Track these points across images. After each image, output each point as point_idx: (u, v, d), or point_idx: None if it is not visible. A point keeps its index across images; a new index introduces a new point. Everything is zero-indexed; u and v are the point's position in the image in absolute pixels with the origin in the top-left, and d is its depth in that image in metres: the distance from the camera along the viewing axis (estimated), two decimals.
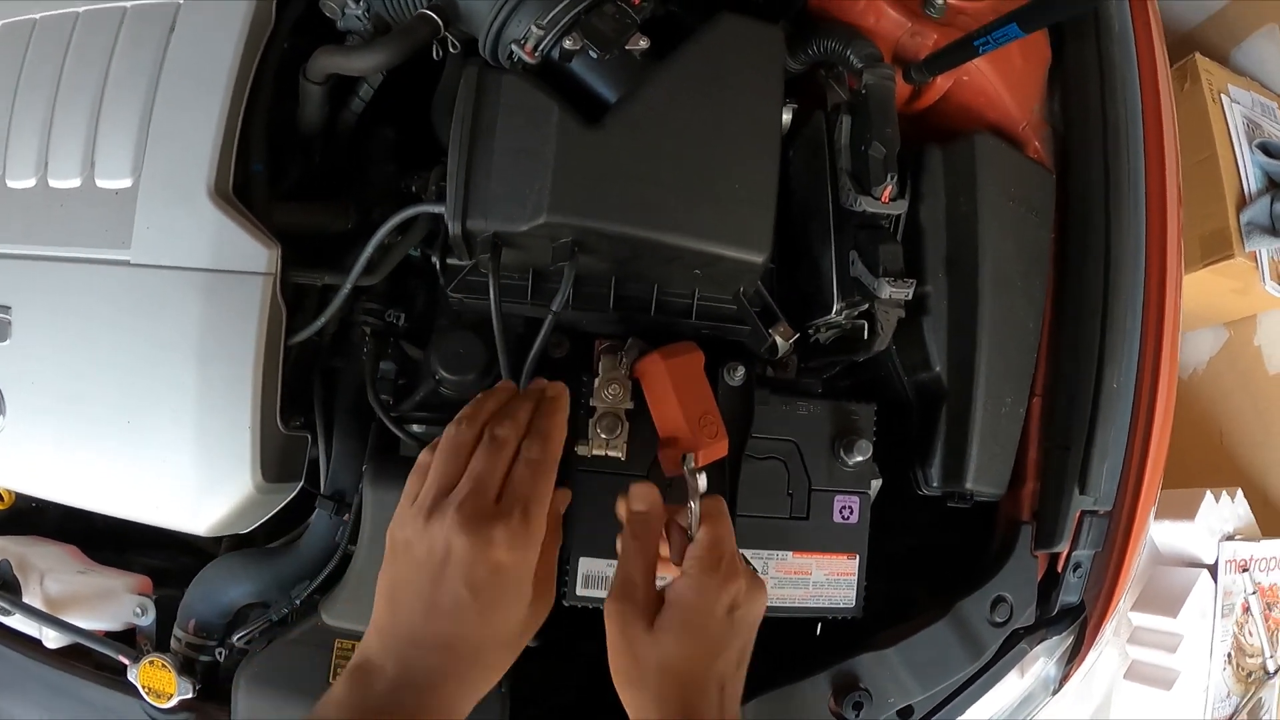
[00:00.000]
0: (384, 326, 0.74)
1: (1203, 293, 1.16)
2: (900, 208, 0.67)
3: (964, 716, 0.69)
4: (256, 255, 0.65)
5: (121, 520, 0.70)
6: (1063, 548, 0.70)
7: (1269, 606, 1.15)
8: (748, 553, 0.66)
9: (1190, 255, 1.13)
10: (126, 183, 0.67)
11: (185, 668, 0.69)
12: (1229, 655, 1.11)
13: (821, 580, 0.68)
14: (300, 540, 0.74)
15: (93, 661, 0.73)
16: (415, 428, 0.70)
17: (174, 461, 0.66)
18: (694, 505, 0.56)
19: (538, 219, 0.60)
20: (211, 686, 0.71)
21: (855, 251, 0.68)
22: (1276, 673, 1.14)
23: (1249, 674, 1.14)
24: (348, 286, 0.67)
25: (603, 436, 0.64)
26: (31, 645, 0.72)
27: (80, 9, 0.71)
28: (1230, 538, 1.14)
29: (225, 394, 0.65)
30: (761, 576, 0.67)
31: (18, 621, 0.73)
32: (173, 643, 0.71)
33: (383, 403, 0.69)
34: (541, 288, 0.68)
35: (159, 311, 0.66)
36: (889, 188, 0.66)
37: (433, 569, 0.47)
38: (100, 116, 0.68)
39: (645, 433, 0.65)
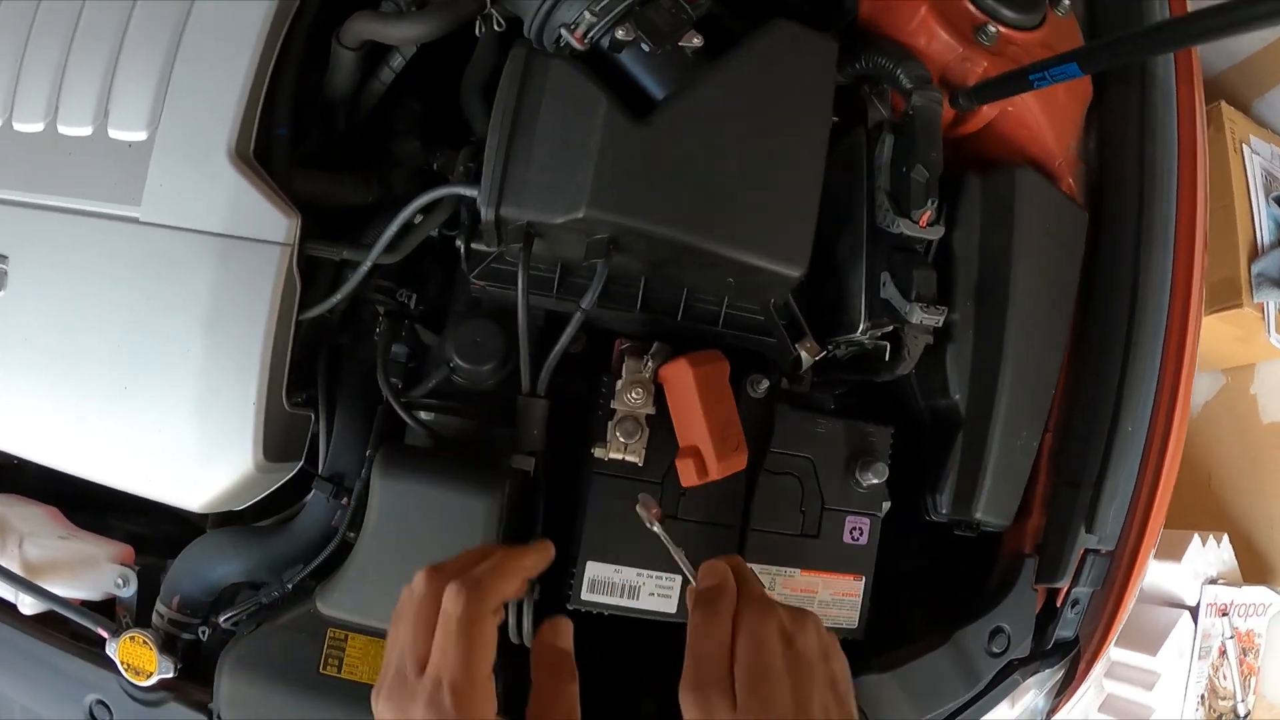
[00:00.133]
0: (397, 307, 0.72)
1: (1206, 338, 1.17)
2: (937, 233, 0.66)
3: None
4: (275, 224, 0.62)
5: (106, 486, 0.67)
6: (1064, 584, 0.70)
7: (1244, 652, 1.18)
8: (756, 568, 0.66)
9: None
10: (141, 135, 0.64)
11: (167, 645, 0.67)
12: (1202, 696, 1.14)
13: (827, 599, 0.67)
14: (294, 521, 0.71)
15: (69, 631, 0.70)
16: (424, 415, 0.68)
17: (171, 433, 0.64)
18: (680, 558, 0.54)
19: (575, 213, 0.58)
20: (192, 666, 0.68)
21: (888, 273, 0.67)
22: (1246, 717, 1.18)
23: (1219, 716, 1.17)
24: (368, 264, 0.65)
25: (621, 440, 0.63)
26: (6, 610, 0.69)
27: None
28: (1213, 581, 1.17)
29: (231, 366, 0.63)
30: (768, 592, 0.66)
31: None
32: (154, 618, 0.69)
33: (393, 386, 0.67)
34: (567, 282, 0.66)
35: (166, 274, 0.63)
36: (928, 212, 0.65)
37: None
38: (119, 63, 0.64)
39: (663, 439, 0.64)
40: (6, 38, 0.67)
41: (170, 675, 0.66)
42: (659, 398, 0.63)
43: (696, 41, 0.61)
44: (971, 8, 0.68)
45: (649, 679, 0.71)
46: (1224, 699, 1.17)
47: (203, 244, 0.62)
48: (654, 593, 0.65)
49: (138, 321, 0.64)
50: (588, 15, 0.59)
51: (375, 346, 0.73)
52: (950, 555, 0.75)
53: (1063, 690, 0.74)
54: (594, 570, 0.64)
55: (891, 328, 0.68)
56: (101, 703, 0.67)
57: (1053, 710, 0.74)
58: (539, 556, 0.52)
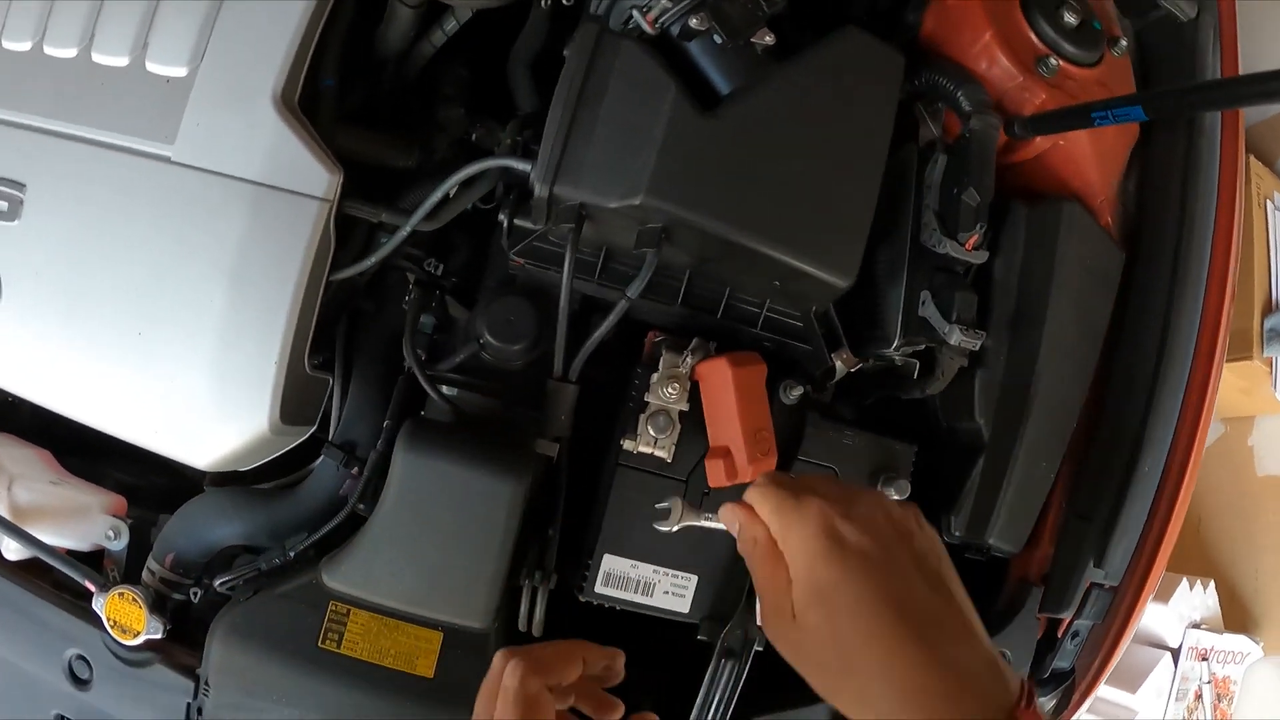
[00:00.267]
0: (425, 276, 0.70)
1: None
2: (981, 257, 0.66)
3: None
4: (317, 178, 0.60)
5: (103, 432, 0.64)
6: (1067, 615, 0.71)
7: (1219, 698, 1.22)
8: None
9: None
10: (181, 72, 0.61)
11: (156, 605, 0.64)
12: None
13: None
14: (299, 487, 0.69)
15: (52, 580, 0.67)
16: (446, 389, 0.66)
17: (184, 384, 0.61)
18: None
19: (632, 198, 0.57)
20: (180, 628, 0.66)
21: (928, 292, 0.67)
22: None
23: None
24: (407, 229, 0.63)
25: (652, 434, 0.62)
26: None
27: None
28: (1196, 625, 1.20)
29: (255, 321, 0.60)
30: None
31: None
32: (145, 575, 0.66)
33: (419, 358, 0.65)
34: (609, 268, 0.65)
35: (195, 218, 0.61)
36: (976, 236, 0.65)
37: None
38: None
39: (693, 437, 0.63)
40: None
41: (158, 636, 0.64)
42: (693, 394, 0.62)
43: (769, 40, 0.60)
44: (1034, 39, 0.68)
45: (652, 675, 0.70)
46: None
47: (237, 191, 0.60)
48: (669, 591, 0.64)
49: (159, 265, 0.61)
50: (663, 0, 0.58)
51: (397, 313, 0.71)
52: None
53: None
54: (610, 564, 0.63)
55: (924, 346, 0.68)
56: (82, 658, 0.65)
57: None
58: (604, 655, 0.52)
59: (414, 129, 0.71)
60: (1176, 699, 1.15)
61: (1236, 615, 1.32)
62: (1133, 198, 0.74)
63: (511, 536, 0.59)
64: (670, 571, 0.64)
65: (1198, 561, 1.36)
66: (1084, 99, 0.68)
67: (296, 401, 0.63)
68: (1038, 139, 0.69)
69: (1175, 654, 1.17)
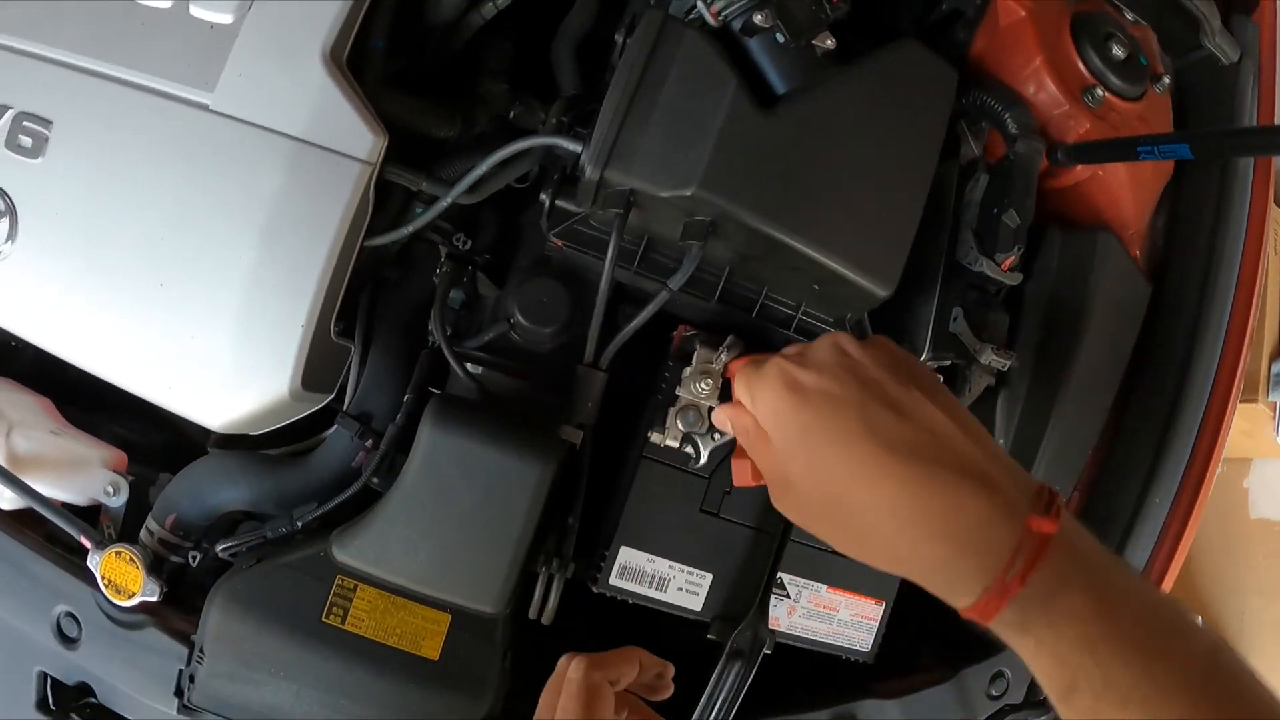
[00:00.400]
0: (455, 250, 0.69)
1: None
2: (1016, 279, 0.67)
3: None
4: (361, 139, 0.58)
5: (103, 380, 0.62)
6: None
7: None
8: (787, 579, 0.65)
9: None
10: (227, 18, 0.59)
11: (153, 566, 0.62)
12: None
13: (846, 620, 0.67)
14: (310, 456, 0.67)
15: (44, 533, 0.64)
16: (472, 367, 0.65)
17: (204, 341, 0.59)
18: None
19: (684, 189, 0.56)
20: (175, 591, 0.64)
21: (960, 309, 0.67)
22: None
23: None
24: (448, 200, 0.62)
25: (680, 429, 0.61)
26: None
27: None
28: None
29: (284, 281, 0.59)
30: (792, 604, 0.66)
31: None
32: (143, 535, 0.64)
33: (447, 333, 0.64)
34: (649, 257, 0.64)
35: (229, 170, 0.59)
36: (1013, 257, 0.66)
37: None
38: None
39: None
40: None
41: (154, 599, 0.62)
42: (724, 391, 0.62)
43: (829, 43, 0.60)
44: (1082, 68, 0.69)
45: None
46: None
47: (276, 145, 0.58)
48: (683, 588, 0.63)
49: (187, 215, 0.59)
50: None
51: (421, 285, 0.70)
52: None
53: None
54: (626, 556, 0.62)
55: (950, 362, 0.68)
56: (71, 615, 0.62)
57: None
58: (658, 664, 0.53)
59: (454, 100, 0.69)
60: None
61: None
62: (1161, 233, 0.75)
63: (534, 522, 0.58)
64: (686, 568, 0.63)
65: (1187, 599, 1.39)
66: (1124, 132, 0.69)
67: (318, 367, 0.62)
68: (1078, 167, 0.69)
69: None
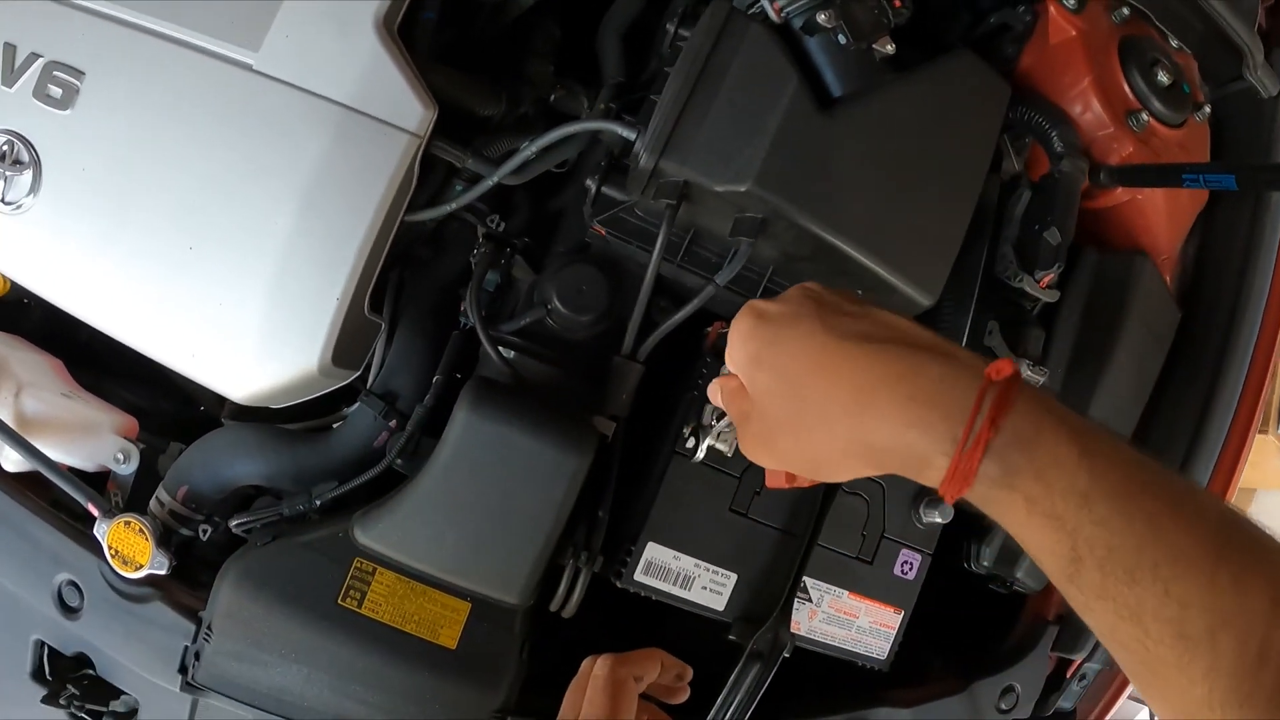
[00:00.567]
0: (497, 233, 0.67)
1: None
2: (1053, 296, 0.67)
3: None
4: (410, 110, 0.57)
5: (115, 343, 0.59)
6: (1079, 657, 0.72)
7: None
8: (811, 583, 0.65)
9: None
10: None
11: (163, 539, 0.60)
12: None
13: (865, 626, 0.67)
14: (331, 433, 0.65)
15: (49, 498, 0.61)
16: (505, 351, 0.64)
17: (233, 310, 0.57)
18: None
19: (739, 185, 0.55)
20: (183, 565, 0.62)
21: (996, 322, 0.67)
22: None
23: None
24: (494, 179, 0.60)
25: (716, 427, 0.60)
26: None
27: None
28: None
29: (322, 251, 0.57)
30: (814, 608, 0.65)
31: None
32: (153, 505, 0.61)
33: (482, 315, 0.62)
34: (693, 251, 0.64)
35: (270, 134, 0.57)
36: (1052, 274, 0.66)
37: None
38: None
39: None
40: None
41: (162, 572, 0.59)
42: None
43: (889, 48, 0.60)
44: (1128, 92, 0.69)
45: None
46: None
47: (321, 111, 0.56)
48: (707, 586, 0.63)
49: (221, 177, 0.57)
50: None
51: (451, 265, 0.68)
52: (971, 603, 0.76)
53: None
54: (653, 552, 0.61)
55: None
56: (73, 584, 0.60)
57: None
58: (677, 665, 0.55)
59: (500, 79, 0.68)
60: None
61: None
62: (1191, 260, 0.76)
63: (566, 513, 0.57)
64: (712, 567, 0.62)
65: None
66: (1165, 158, 0.70)
67: (349, 343, 0.60)
68: (1118, 190, 0.70)
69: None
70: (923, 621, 0.73)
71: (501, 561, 0.57)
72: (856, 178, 0.58)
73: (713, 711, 0.62)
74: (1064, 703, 0.74)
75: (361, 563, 0.59)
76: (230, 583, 0.58)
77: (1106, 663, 0.73)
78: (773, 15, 0.58)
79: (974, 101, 0.62)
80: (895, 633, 0.68)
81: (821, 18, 0.58)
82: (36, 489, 0.61)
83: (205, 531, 0.62)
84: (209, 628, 0.58)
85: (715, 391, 0.48)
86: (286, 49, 0.56)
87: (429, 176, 0.62)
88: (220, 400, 0.70)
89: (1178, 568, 0.31)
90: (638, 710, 0.51)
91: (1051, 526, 0.33)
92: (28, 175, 0.57)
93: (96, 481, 0.63)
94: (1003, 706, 0.71)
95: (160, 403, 0.72)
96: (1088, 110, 0.69)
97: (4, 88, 0.58)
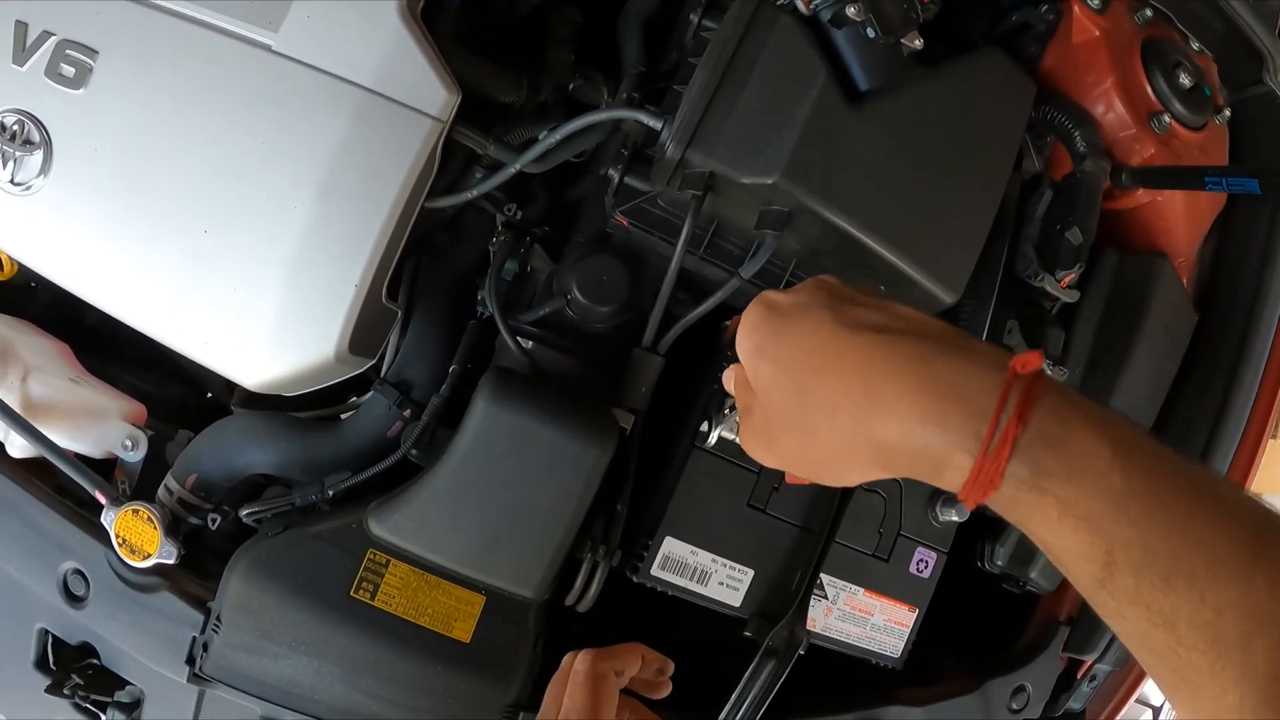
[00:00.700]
0: (516, 221, 0.66)
1: None
2: (1073, 296, 0.67)
3: None
4: (433, 95, 0.56)
5: (123, 328, 0.58)
6: (1090, 658, 0.72)
7: None
8: (827, 580, 0.64)
9: None
10: None
11: (171, 527, 0.59)
12: None
13: (879, 624, 0.67)
14: (344, 422, 0.64)
15: (55, 484, 0.60)
16: (523, 341, 0.63)
17: (248, 295, 0.56)
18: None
19: (766, 177, 0.55)
20: (191, 554, 0.60)
21: (1015, 322, 0.67)
22: None
23: None
24: (516, 167, 0.60)
25: (730, 417, 0.60)
26: None
27: None
28: None
29: (341, 237, 0.56)
30: (829, 605, 0.65)
31: None
32: (162, 493, 0.60)
33: (502, 304, 0.61)
34: (716, 244, 0.63)
35: (290, 116, 0.56)
36: (1072, 274, 0.66)
37: None
38: None
39: None
40: None
41: (171, 561, 0.58)
42: None
43: (917, 44, 0.59)
44: (1150, 93, 0.69)
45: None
46: None
47: (342, 93, 0.55)
48: (724, 582, 0.62)
49: (238, 160, 0.56)
50: None
51: (467, 253, 0.67)
52: (983, 602, 0.76)
53: None
54: (670, 547, 0.61)
55: None
56: (79, 573, 0.58)
57: None
58: (659, 659, 0.54)
59: (521, 65, 0.67)
60: None
61: None
62: (1208, 263, 0.76)
63: (586, 506, 0.56)
64: (729, 562, 0.62)
65: None
66: (1186, 160, 0.70)
67: (366, 331, 0.59)
68: (1138, 191, 0.70)
69: (1156, 711, 1.21)
70: (936, 620, 0.72)
71: (518, 554, 0.57)
72: (883, 172, 0.57)
73: (726, 708, 0.62)
74: (1074, 703, 0.74)
75: (375, 554, 0.58)
76: (240, 573, 0.57)
77: (1116, 664, 0.73)
78: (802, 7, 0.57)
79: (1001, 99, 0.62)
80: (910, 631, 0.67)
81: (851, 11, 0.57)
82: (43, 475, 0.60)
83: (214, 520, 0.61)
84: (218, 618, 0.57)
85: (729, 379, 0.47)
86: (307, 30, 0.55)
87: (449, 163, 0.61)
88: (230, 387, 0.69)
89: (1215, 571, 0.29)
90: (619, 705, 0.50)
91: (1084, 529, 0.31)
92: (38, 156, 0.56)
93: (104, 468, 0.62)
94: (1014, 706, 0.71)
95: (168, 389, 0.71)
96: (1110, 111, 0.68)
97: (15, 66, 0.56)
